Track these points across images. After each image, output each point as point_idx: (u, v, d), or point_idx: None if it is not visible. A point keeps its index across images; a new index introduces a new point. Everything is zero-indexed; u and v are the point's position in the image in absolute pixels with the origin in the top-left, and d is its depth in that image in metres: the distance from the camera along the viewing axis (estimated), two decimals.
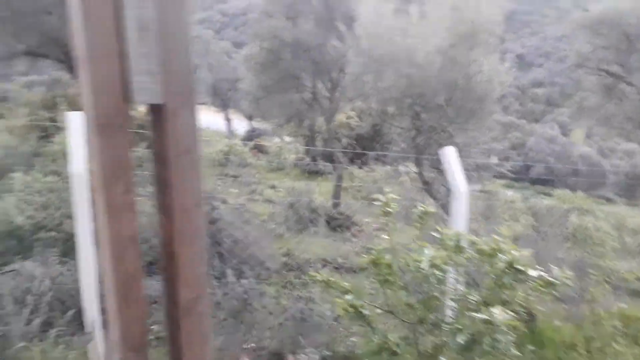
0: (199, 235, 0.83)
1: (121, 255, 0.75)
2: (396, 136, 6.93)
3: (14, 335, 3.48)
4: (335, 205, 8.71)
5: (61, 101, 12.79)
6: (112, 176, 0.72)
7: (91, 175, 0.78)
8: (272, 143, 24.75)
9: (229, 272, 5.09)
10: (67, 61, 13.14)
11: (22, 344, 3.43)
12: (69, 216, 6.59)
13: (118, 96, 0.71)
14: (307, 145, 17.80)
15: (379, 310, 2.58)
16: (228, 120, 25.32)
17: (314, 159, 16.01)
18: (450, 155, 3.86)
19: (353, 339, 4.10)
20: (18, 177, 6.38)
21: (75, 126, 3.35)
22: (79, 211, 3.39)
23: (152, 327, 4.94)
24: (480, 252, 2.29)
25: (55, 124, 10.75)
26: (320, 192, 10.74)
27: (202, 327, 0.86)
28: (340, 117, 12.28)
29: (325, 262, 6.69)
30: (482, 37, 6.05)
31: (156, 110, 0.78)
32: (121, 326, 0.78)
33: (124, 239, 0.75)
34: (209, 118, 31.17)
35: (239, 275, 4.98)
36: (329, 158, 12.59)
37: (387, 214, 2.59)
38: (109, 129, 0.70)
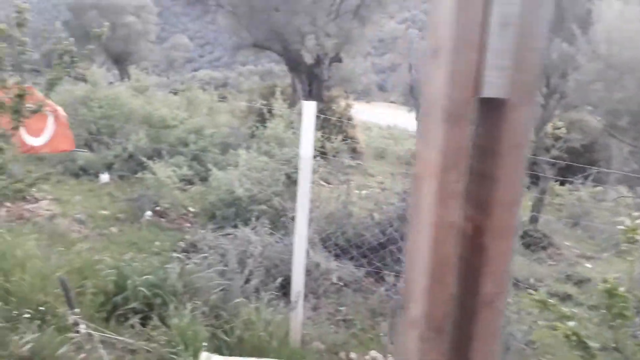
0: (513, 230, 0.82)
1: (441, 240, 0.78)
2: (626, 154, 6.05)
3: (235, 290, 4.00)
4: (532, 221, 8.05)
5: (276, 90, 14.21)
6: (448, 164, 0.75)
7: (420, 160, 0.82)
8: None
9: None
10: (284, 54, 14.58)
11: (239, 299, 3.93)
12: (278, 194, 7.31)
13: (469, 88, 0.74)
14: None
15: (596, 344, 2.32)
16: (419, 119, 25.18)
17: None
18: None
19: None
20: (242, 155, 7.29)
21: (309, 114, 3.69)
22: (302, 190, 3.71)
23: (340, 308, 5.23)
24: None
25: (270, 109, 11.98)
26: None
27: (497, 323, 0.85)
28: (548, 127, 11.29)
29: (515, 281, 6.24)
30: None
31: (493, 103, 0.79)
32: (427, 305, 0.81)
33: (446, 224, 0.78)
34: (398, 115, 31.58)
35: None
36: (528, 168, 11.70)
37: (631, 240, 2.29)
38: (455, 119, 0.74)
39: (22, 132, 2.75)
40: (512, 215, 0.81)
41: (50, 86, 2.45)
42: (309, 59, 14.00)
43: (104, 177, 7.91)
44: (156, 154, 8.30)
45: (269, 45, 14.19)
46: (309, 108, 3.70)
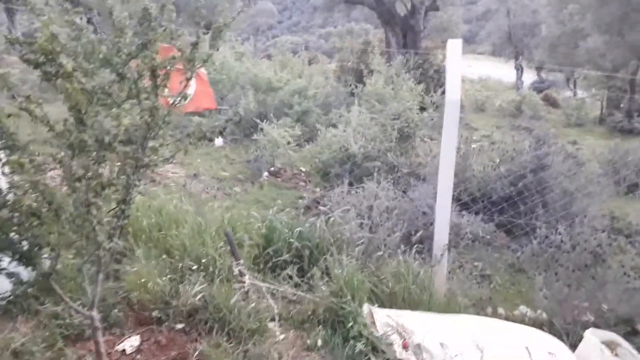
0: None
1: None
2: None
3: (376, 243, 3.92)
4: None
5: (370, 47, 13.80)
6: None
7: None
8: (563, 96, 22.21)
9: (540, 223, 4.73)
10: (377, 7, 14.06)
11: (380, 252, 3.84)
12: (390, 149, 7.11)
13: None
14: (619, 100, 15.26)
15: None
16: (519, 68, 23.48)
17: (629, 115, 13.64)
18: None
19: None
20: (355, 110, 7.16)
21: (454, 54, 3.41)
22: (447, 138, 3.48)
23: (475, 263, 5.01)
24: None
25: (367, 65, 11.64)
26: None
27: None
28: None
29: None
30: None
31: None
32: None
33: None
34: (488, 67, 29.73)
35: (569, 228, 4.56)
36: None
37: None
38: None
39: (166, 91, 2.72)
40: None
41: (216, 36, 2.39)
42: (403, 9, 13.38)
43: (218, 141, 8.14)
44: (263, 117, 8.38)
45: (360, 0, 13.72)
46: (455, 46, 3.41)
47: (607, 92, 15.85)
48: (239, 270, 2.98)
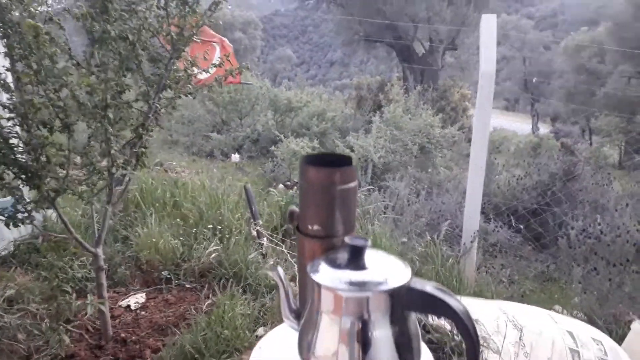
0: None
1: None
2: None
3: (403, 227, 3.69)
4: None
5: (388, 84, 13.92)
6: None
7: None
8: (577, 144, 22.02)
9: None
10: (395, 45, 14.28)
11: (406, 239, 3.60)
12: (410, 164, 6.93)
13: None
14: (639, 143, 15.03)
15: None
16: (535, 114, 23.51)
17: None
18: None
19: None
20: (375, 122, 7.07)
21: (488, 27, 3.30)
22: (480, 112, 3.31)
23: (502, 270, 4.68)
24: None
25: (386, 95, 11.68)
26: None
27: None
28: None
29: None
30: None
31: None
32: None
33: None
34: (502, 120, 29.84)
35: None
36: None
37: None
38: None
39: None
40: None
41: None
42: (421, 48, 13.56)
43: (235, 157, 8.05)
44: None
45: (380, 37, 13.97)
46: (489, 20, 3.31)
47: (625, 137, 15.68)
48: (257, 231, 2.77)
